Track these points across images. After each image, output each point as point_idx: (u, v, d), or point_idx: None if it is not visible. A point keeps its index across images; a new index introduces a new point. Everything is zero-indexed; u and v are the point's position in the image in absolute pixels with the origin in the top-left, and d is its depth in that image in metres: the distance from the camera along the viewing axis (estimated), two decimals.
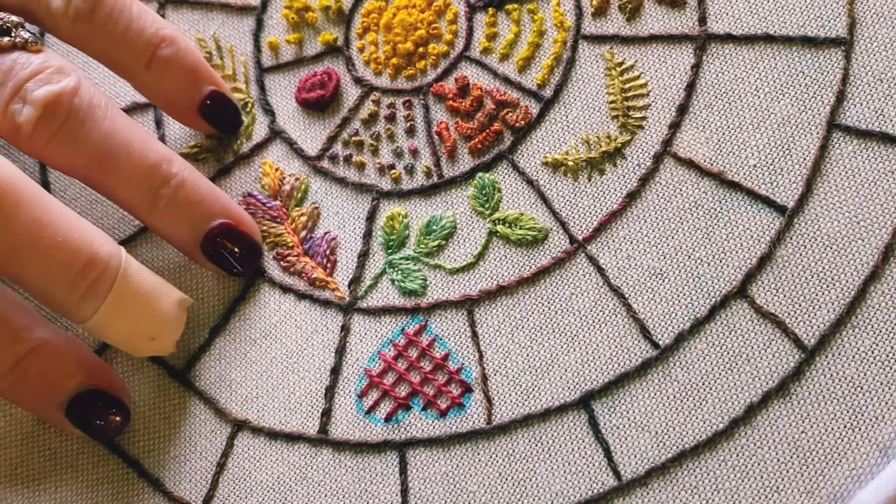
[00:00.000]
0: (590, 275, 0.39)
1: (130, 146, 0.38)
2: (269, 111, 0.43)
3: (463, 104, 0.41)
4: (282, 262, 0.41)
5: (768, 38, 0.39)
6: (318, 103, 0.43)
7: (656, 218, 0.39)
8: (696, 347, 0.37)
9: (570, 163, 0.40)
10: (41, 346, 0.37)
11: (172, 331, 0.40)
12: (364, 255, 0.41)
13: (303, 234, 0.42)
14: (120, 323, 0.38)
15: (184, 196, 0.39)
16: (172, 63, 0.41)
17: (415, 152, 0.42)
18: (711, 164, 0.39)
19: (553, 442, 0.37)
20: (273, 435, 0.39)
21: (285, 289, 0.41)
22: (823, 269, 0.37)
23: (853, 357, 0.36)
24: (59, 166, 0.39)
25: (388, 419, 0.39)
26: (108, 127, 0.38)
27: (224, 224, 0.40)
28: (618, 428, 0.37)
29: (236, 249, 0.40)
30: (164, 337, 0.39)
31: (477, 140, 0.41)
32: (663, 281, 0.38)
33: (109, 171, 0.38)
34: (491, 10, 0.42)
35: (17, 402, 0.39)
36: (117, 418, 0.39)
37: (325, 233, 0.42)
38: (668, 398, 0.37)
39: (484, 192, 0.40)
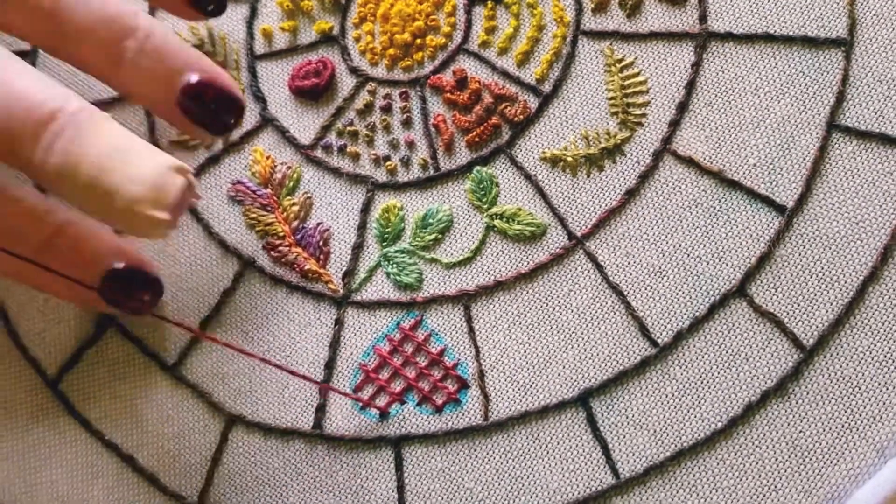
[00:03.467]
0: (588, 271, 0.39)
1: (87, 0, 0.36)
2: (261, 98, 0.43)
3: (461, 97, 0.41)
4: (272, 252, 0.41)
5: (769, 38, 0.39)
6: (313, 92, 0.42)
7: (655, 215, 0.39)
8: (694, 346, 0.37)
9: (569, 158, 0.40)
10: (67, 227, 0.37)
11: (161, 195, 0.33)
12: (358, 248, 0.41)
13: (294, 223, 0.41)
14: (92, 182, 0.33)
15: (152, 48, 0.36)
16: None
17: (411, 144, 0.41)
18: (711, 163, 0.39)
19: (551, 439, 0.37)
20: (267, 430, 0.39)
21: (276, 280, 0.41)
22: (822, 269, 0.37)
23: (851, 357, 0.36)
24: (14, 31, 0.37)
25: (383, 415, 0.38)
26: None
27: (203, 79, 0.36)
28: (616, 426, 0.37)
29: (214, 105, 0.37)
30: (148, 204, 0.33)
31: (475, 133, 0.41)
32: (662, 279, 0.38)
33: (66, 28, 0.35)
34: (490, 4, 0.42)
35: (44, 288, 0.38)
36: (149, 295, 0.38)
37: (318, 223, 0.41)
38: (666, 396, 0.37)
39: (481, 186, 0.40)
